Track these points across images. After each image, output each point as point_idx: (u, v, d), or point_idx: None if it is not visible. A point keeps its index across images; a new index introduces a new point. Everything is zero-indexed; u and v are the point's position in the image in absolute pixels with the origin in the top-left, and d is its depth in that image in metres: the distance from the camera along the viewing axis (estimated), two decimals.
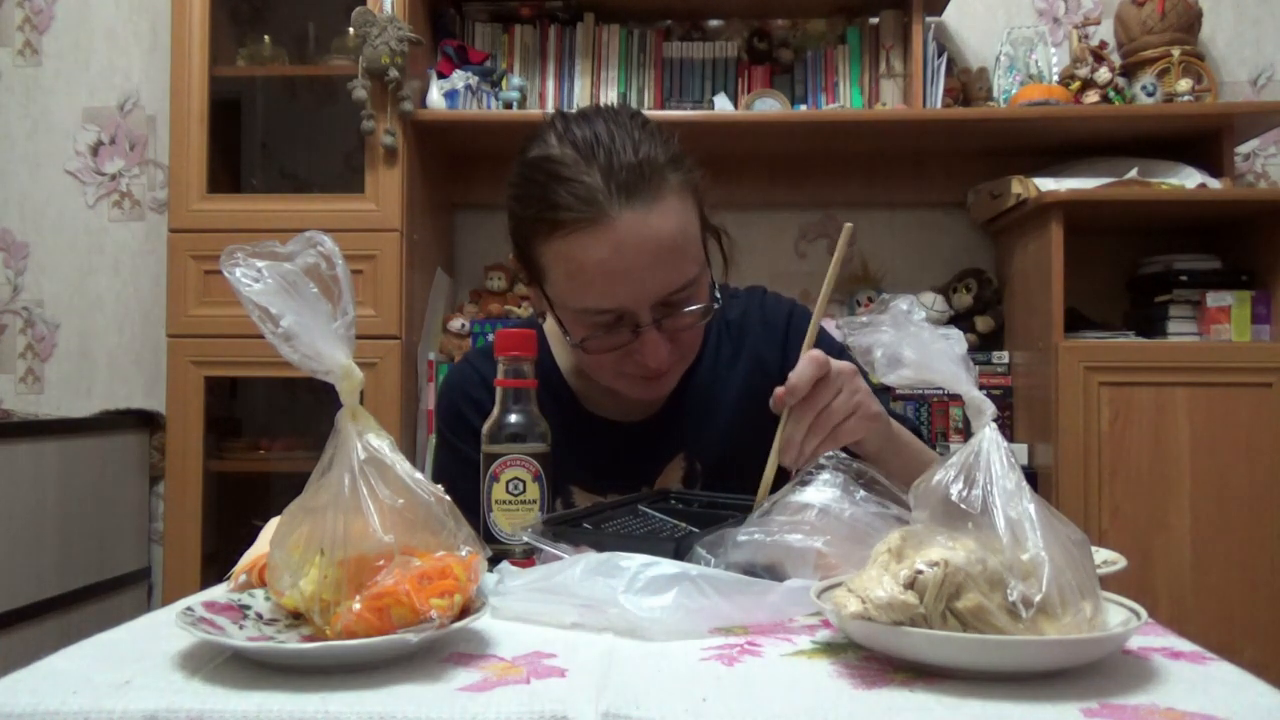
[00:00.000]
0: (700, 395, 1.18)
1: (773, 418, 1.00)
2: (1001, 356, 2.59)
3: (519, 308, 2.68)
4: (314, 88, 2.82)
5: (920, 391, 2.55)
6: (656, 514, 1.02)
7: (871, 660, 0.67)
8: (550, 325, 1.22)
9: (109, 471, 2.62)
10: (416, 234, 2.47)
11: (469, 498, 0.92)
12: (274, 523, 0.77)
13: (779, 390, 0.95)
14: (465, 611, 0.69)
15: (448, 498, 0.72)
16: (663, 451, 1.18)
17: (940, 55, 2.56)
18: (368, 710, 0.57)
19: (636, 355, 1.04)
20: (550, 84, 2.66)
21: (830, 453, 0.90)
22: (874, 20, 2.68)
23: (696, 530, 0.91)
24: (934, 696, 0.59)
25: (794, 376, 0.94)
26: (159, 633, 0.72)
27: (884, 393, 2.42)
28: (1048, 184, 2.42)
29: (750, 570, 0.82)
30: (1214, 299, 2.36)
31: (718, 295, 1.09)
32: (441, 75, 2.54)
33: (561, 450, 1.00)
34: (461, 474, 0.97)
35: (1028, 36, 2.69)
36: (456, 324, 2.64)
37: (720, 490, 1.15)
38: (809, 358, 0.95)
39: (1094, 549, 0.76)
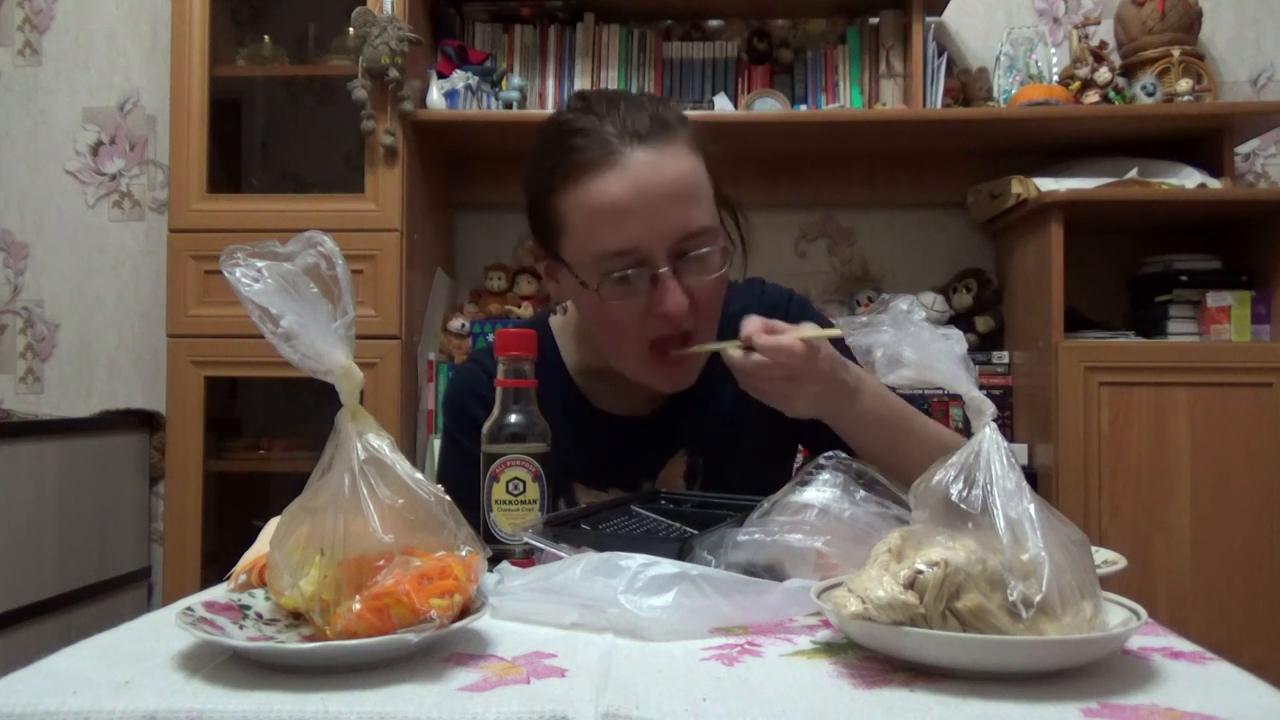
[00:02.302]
0: (702, 390, 1.18)
1: (772, 413, 1.03)
2: (1001, 356, 2.59)
3: (519, 308, 2.68)
4: (314, 88, 2.82)
5: (920, 391, 2.55)
6: (650, 514, 1.02)
7: (871, 660, 0.67)
8: (557, 321, 1.24)
9: (109, 471, 2.62)
10: (416, 234, 2.47)
11: (475, 496, 0.93)
12: (274, 523, 0.77)
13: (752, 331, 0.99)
14: (465, 611, 0.69)
15: (448, 498, 0.73)
16: (665, 446, 1.19)
17: (940, 55, 2.56)
18: (368, 710, 0.57)
19: (656, 308, 1.03)
20: (550, 84, 2.66)
21: (830, 453, 0.91)
22: (874, 20, 2.68)
23: (694, 530, 0.91)
24: (934, 696, 0.60)
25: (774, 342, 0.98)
26: (159, 633, 0.72)
27: None
28: (1048, 184, 2.42)
29: (750, 570, 0.82)
30: (1214, 299, 2.36)
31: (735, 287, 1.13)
32: (441, 75, 2.54)
33: (565, 446, 1.01)
34: (468, 472, 0.97)
35: (1028, 36, 2.69)
36: (456, 324, 2.64)
37: (722, 485, 1.16)
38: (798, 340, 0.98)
39: (1094, 549, 0.76)
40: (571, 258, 1.07)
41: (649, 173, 1.01)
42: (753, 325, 1.00)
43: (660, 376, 1.11)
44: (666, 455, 1.19)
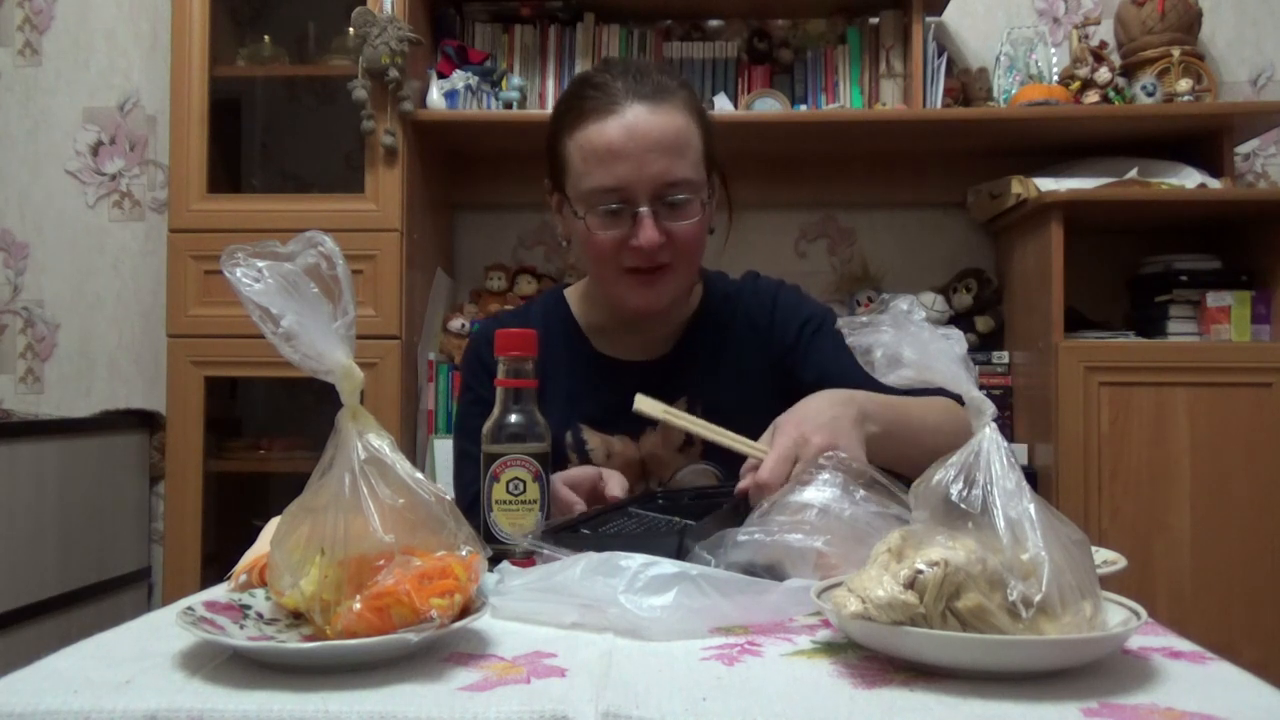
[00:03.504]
0: (702, 345, 1.31)
1: (764, 375, 1.17)
2: (1001, 356, 2.59)
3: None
4: (314, 88, 2.82)
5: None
6: (649, 513, 1.03)
7: (871, 660, 0.67)
8: (571, 289, 1.37)
9: (109, 471, 2.62)
10: (416, 234, 2.47)
11: (475, 434, 1.01)
12: (274, 523, 0.77)
13: (747, 482, 0.99)
14: (465, 611, 0.69)
15: (448, 497, 0.73)
16: (667, 393, 1.24)
17: (940, 55, 2.56)
18: (368, 710, 0.57)
19: (633, 241, 1.16)
20: (550, 84, 2.66)
21: (829, 453, 0.91)
22: (874, 20, 2.68)
23: (693, 522, 0.92)
24: (934, 696, 0.60)
25: (766, 474, 0.96)
26: (159, 633, 0.72)
27: None
28: (1048, 184, 2.42)
29: (750, 570, 0.82)
30: (1214, 299, 2.36)
31: (713, 228, 1.25)
32: (441, 75, 2.54)
33: (575, 389, 1.24)
34: (472, 413, 1.06)
35: (1028, 36, 2.69)
36: (456, 324, 2.64)
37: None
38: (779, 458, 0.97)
39: (1094, 549, 0.76)
40: (570, 192, 1.21)
41: (641, 123, 1.15)
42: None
43: (633, 297, 1.22)
44: (668, 401, 1.23)
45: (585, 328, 1.33)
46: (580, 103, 1.19)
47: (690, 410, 1.24)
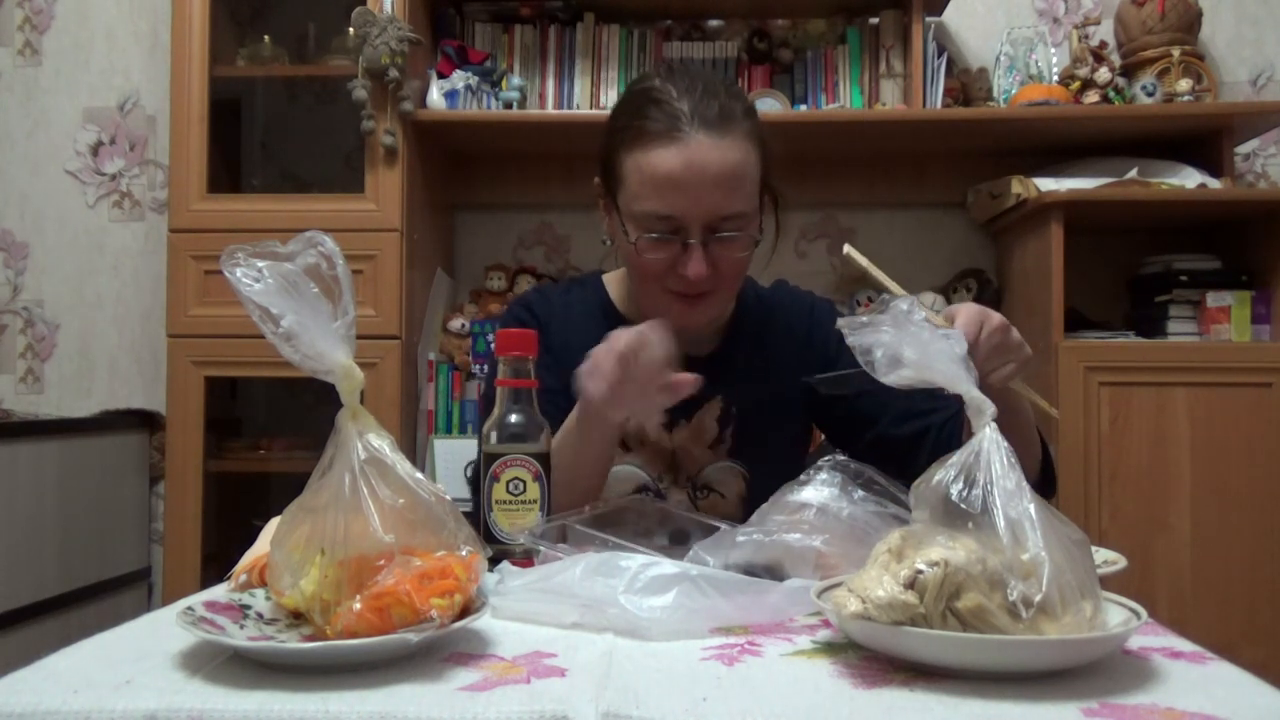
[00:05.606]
0: (742, 348, 1.32)
1: (797, 381, 1.17)
2: None
3: None
4: (314, 88, 2.82)
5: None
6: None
7: (871, 660, 0.67)
8: (609, 275, 1.37)
9: (109, 471, 2.62)
10: (416, 234, 2.47)
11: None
12: (274, 523, 0.77)
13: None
14: (465, 611, 0.69)
15: (448, 497, 0.73)
16: (705, 391, 1.26)
17: (940, 55, 2.56)
18: (368, 710, 0.57)
19: (680, 268, 1.16)
20: (550, 84, 2.66)
21: (827, 454, 0.91)
22: (874, 20, 2.68)
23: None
24: (934, 696, 0.60)
25: (961, 326, 0.96)
26: (159, 633, 0.72)
27: None
28: (1048, 184, 2.42)
29: (750, 570, 0.82)
30: (1214, 299, 2.36)
31: (759, 238, 1.23)
32: (441, 75, 2.54)
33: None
34: None
35: (1028, 37, 2.69)
36: (456, 324, 2.64)
37: (750, 437, 1.27)
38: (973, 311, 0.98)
39: (1094, 549, 0.76)
40: (622, 206, 1.20)
41: (703, 156, 1.13)
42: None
43: (672, 314, 1.19)
44: (705, 399, 1.27)
45: (627, 317, 1.32)
46: (641, 121, 1.16)
47: (725, 412, 1.28)
